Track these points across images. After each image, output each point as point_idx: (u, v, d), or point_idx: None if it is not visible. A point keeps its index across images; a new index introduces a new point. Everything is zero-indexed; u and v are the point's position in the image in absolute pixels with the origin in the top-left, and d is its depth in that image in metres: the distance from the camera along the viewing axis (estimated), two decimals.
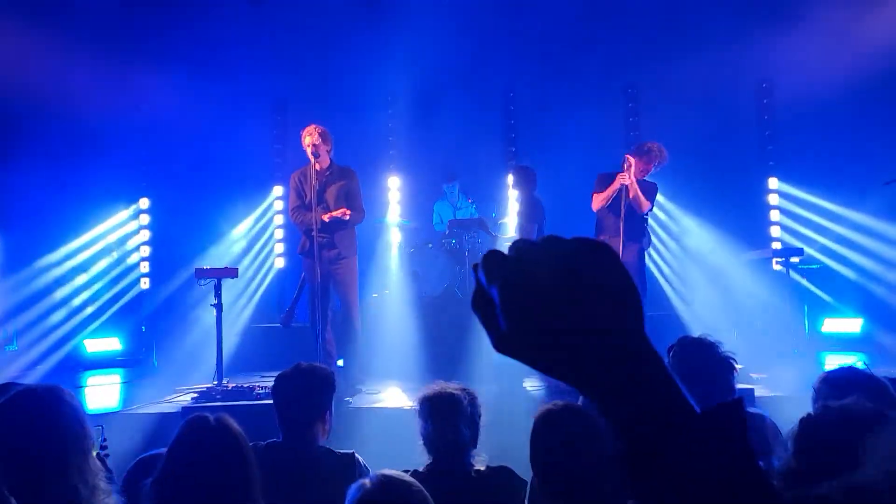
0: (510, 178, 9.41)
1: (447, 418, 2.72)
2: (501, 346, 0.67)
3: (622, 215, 5.92)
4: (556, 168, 7.93)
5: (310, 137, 5.64)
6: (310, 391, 2.89)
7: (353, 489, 1.79)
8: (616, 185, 5.92)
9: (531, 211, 6.61)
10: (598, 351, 0.64)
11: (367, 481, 1.78)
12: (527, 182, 6.73)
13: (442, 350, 6.75)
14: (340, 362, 5.86)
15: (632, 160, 5.93)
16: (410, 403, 5.00)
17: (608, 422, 0.65)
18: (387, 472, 1.84)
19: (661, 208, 9.03)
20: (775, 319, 7.63)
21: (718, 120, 8.64)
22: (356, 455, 2.87)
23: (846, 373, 2.44)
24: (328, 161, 5.80)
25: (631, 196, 5.91)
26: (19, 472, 1.89)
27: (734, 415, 0.63)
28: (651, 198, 6.13)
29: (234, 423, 2.20)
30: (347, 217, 5.70)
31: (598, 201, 6.09)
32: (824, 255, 8.28)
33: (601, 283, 0.64)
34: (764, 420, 2.88)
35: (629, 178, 5.88)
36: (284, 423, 2.88)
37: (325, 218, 5.65)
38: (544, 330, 0.64)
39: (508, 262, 0.66)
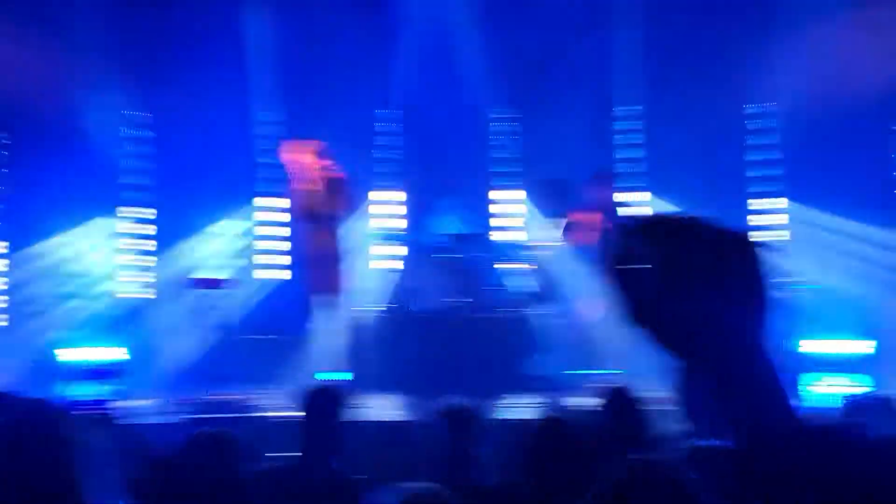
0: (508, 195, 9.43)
1: (468, 433, 2.72)
2: (642, 315, 0.67)
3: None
4: None
5: (308, 156, 5.57)
6: (331, 415, 2.85)
7: None
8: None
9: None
10: (727, 347, 0.66)
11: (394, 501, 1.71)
12: (563, 194, 6.82)
13: (438, 364, 6.70)
14: (337, 375, 5.78)
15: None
16: (408, 417, 4.96)
17: (723, 413, 0.67)
18: (411, 484, 1.77)
19: None
20: (768, 339, 7.52)
21: (715, 142, 8.64)
22: (370, 481, 2.80)
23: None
24: (324, 173, 5.72)
25: None
26: (16, 491, 1.82)
27: (835, 433, 0.67)
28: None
29: (236, 443, 2.12)
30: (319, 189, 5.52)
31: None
32: (822, 274, 8.20)
33: (757, 285, 0.67)
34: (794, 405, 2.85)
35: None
36: (301, 444, 2.82)
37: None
38: (696, 311, 0.64)
39: (672, 236, 0.66)
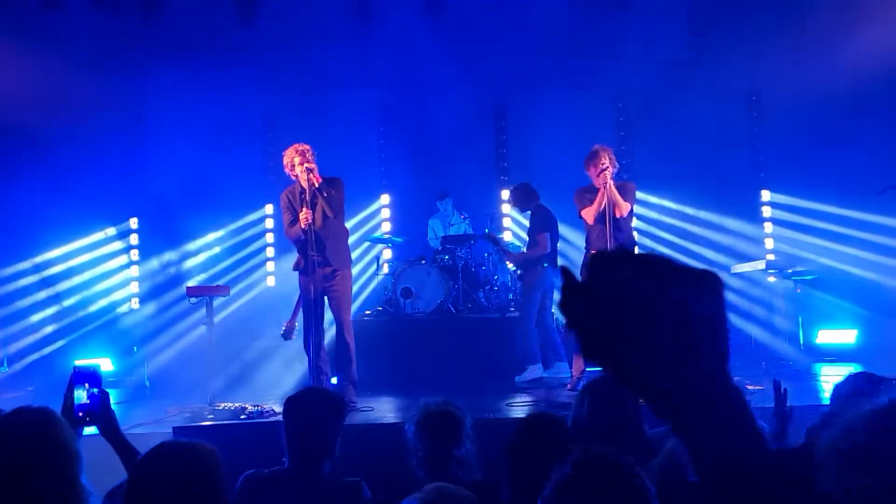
0: (504, 194, 9.44)
1: (451, 436, 2.70)
2: (595, 352, 0.68)
3: (608, 228, 5.69)
4: (546, 183, 7.89)
5: (300, 157, 5.59)
6: (321, 418, 2.81)
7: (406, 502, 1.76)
8: (603, 193, 5.71)
9: (538, 222, 6.61)
10: (688, 381, 0.67)
11: (421, 494, 1.75)
12: (524, 198, 6.73)
13: (435, 366, 6.72)
14: (334, 380, 5.82)
15: (609, 162, 5.72)
16: (404, 420, 4.95)
17: (685, 447, 0.69)
18: (440, 484, 1.81)
19: (655, 222, 9.04)
20: (770, 331, 7.62)
21: (709, 133, 8.65)
22: (362, 483, 2.79)
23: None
24: (316, 176, 5.74)
25: (611, 199, 5.67)
26: (5, 495, 1.85)
27: (803, 458, 0.71)
28: (630, 198, 5.84)
29: (207, 453, 2.07)
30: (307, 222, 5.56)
31: (591, 213, 5.81)
32: (820, 265, 8.21)
33: (704, 318, 0.67)
34: (763, 431, 2.84)
35: (609, 180, 5.67)
36: (292, 448, 2.79)
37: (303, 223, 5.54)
38: (648, 351, 0.65)
39: (621, 274, 0.67)
